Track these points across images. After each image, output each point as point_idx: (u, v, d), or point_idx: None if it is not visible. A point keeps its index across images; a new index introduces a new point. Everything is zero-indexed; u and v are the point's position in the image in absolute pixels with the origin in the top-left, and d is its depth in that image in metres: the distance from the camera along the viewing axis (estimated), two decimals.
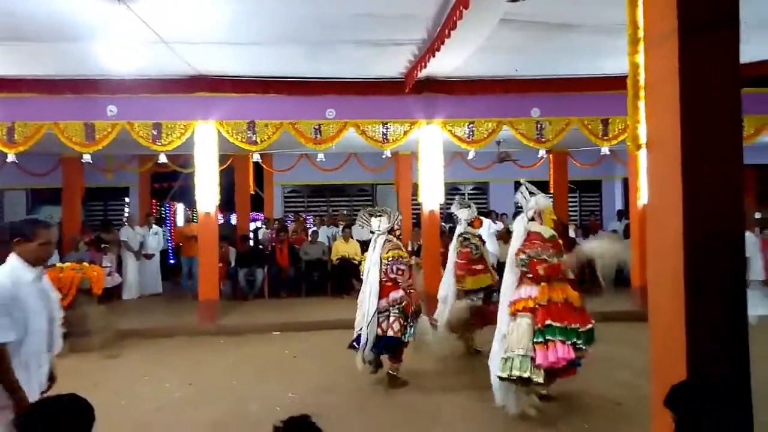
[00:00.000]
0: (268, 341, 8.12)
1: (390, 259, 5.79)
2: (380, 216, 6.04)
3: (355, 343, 5.89)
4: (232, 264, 11.26)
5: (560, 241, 4.94)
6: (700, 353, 2.55)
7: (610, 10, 5.49)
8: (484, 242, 7.08)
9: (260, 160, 12.28)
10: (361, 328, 5.81)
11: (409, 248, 11.36)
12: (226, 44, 7.18)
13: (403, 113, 8.92)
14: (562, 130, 9.08)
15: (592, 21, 6.43)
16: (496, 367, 4.72)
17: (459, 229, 7.03)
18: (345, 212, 13.94)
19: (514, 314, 4.76)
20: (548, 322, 4.58)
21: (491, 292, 6.66)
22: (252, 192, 13.34)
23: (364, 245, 11.48)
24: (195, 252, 9.89)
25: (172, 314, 9.69)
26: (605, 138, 9.08)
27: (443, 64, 7.69)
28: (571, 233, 11.56)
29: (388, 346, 5.75)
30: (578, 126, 9.06)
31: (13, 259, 2.92)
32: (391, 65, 8.20)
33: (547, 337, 4.56)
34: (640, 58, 2.83)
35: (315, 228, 12.24)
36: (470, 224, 7.03)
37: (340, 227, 12.09)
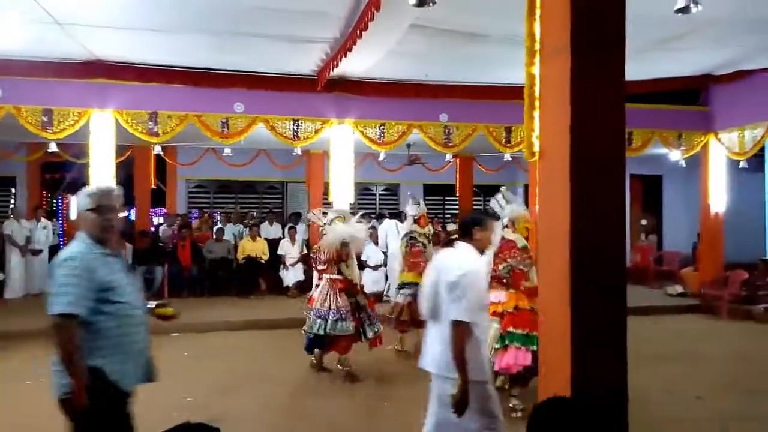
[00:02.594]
0: (166, 343, 7.73)
1: (314, 252, 6.20)
2: (318, 212, 6.46)
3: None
4: (130, 261, 10.67)
5: (531, 252, 5.05)
6: (584, 353, 2.69)
7: (516, 23, 5.73)
8: (430, 241, 7.21)
9: (162, 153, 11.72)
10: None
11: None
12: (127, 29, 6.81)
13: (314, 111, 8.85)
14: (469, 136, 9.38)
15: (499, 32, 6.70)
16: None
17: (405, 228, 7.18)
18: (254, 210, 13.62)
19: None
20: (509, 329, 4.73)
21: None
22: (153, 186, 12.69)
23: (272, 244, 11.32)
24: None
25: None
26: (508, 145, 9.48)
27: (355, 65, 7.72)
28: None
29: (307, 341, 6.10)
30: (484, 132, 9.39)
31: None
32: (303, 62, 8.12)
33: (506, 343, 4.71)
34: (536, 70, 2.97)
35: (221, 225, 11.85)
36: (416, 221, 7.15)
37: (248, 225, 11.78)
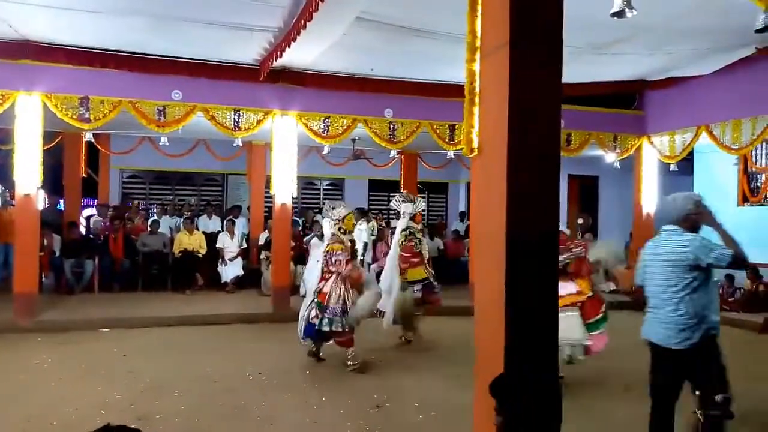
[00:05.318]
0: (95, 339, 7.42)
1: (328, 252, 6.17)
2: (332, 208, 6.42)
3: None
4: (57, 254, 10.15)
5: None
6: (516, 344, 2.72)
7: (461, 21, 5.78)
8: (424, 236, 7.67)
9: (94, 141, 11.18)
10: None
11: (260, 242, 11.09)
12: (58, 9, 6.43)
13: (256, 101, 8.64)
14: (413, 133, 9.40)
15: (444, 29, 6.72)
16: None
17: (402, 224, 7.34)
18: (192, 202, 13.22)
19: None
20: (596, 315, 5.30)
21: (429, 284, 7.27)
22: (84, 175, 12.11)
23: (210, 237, 11.02)
24: (11, 238, 8.77)
25: None
26: (451, 143, 9.56)
27: (300, 55, 7.59)
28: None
29: (309, 332, 6.15)
30: (428, 129, 9.43)
31: None
32: (246, 51, 7.91)
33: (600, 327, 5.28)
34: (477, 67, 2.97)
35: (156, 217, 11.43)
36: (412, 218, 7.38)
37: (184, 217, 11.42)
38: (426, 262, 7.46)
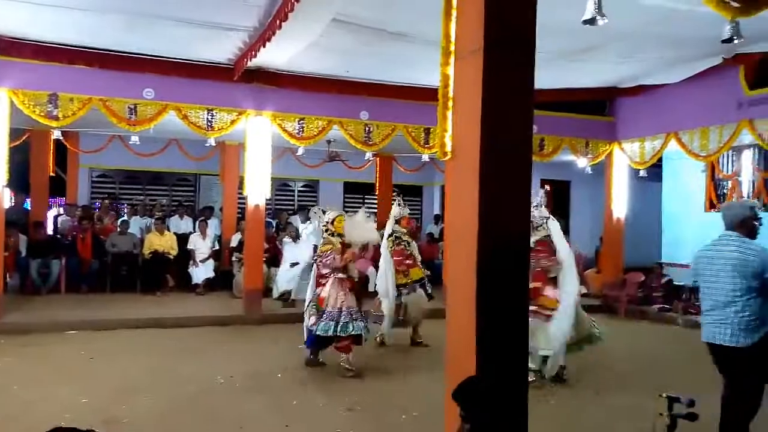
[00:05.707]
0: (61, 341, 7.25)
1: (318, 256, 6.17)
2: (319, 212, 6.48)
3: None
4: (23, 254, 9.90)
5: None
6: (488, 348, 2.74)
7: (438, 25, 5.82)
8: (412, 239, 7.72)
9: (63, 139, 10.93)
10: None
11: (232, 243, 10.97)
12: (26, 3, 6.27)
13: (230, 101, 8.55)
14: (388, 135, 9.40)
15: (420, 34, 6.73)
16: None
17: (388, 228, 7.34)
18: (164, 202, 13.01)
19: None
20: None
21: (424, 284, 7.37)
22: (52, 174, 11.82)
23: (182, 239, 10.86)
24: None
25: None
26: (426, 146, 9.59)
27: (275, 56, 7.53)
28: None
29: (310, 341, 6.12)
30: (403, 132, 9.44)
31: None
32: (220, 50, 7.83)
33: None
34: (451, 71, 2.98)
35: (126, 218, 11.22)
36: (397, 222, 7.37)
37: (155, 218, 11.23)
38: (419, 263, 7.52)
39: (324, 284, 6.05)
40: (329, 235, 6.20)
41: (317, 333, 5.92)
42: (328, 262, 6.00)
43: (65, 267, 9.86)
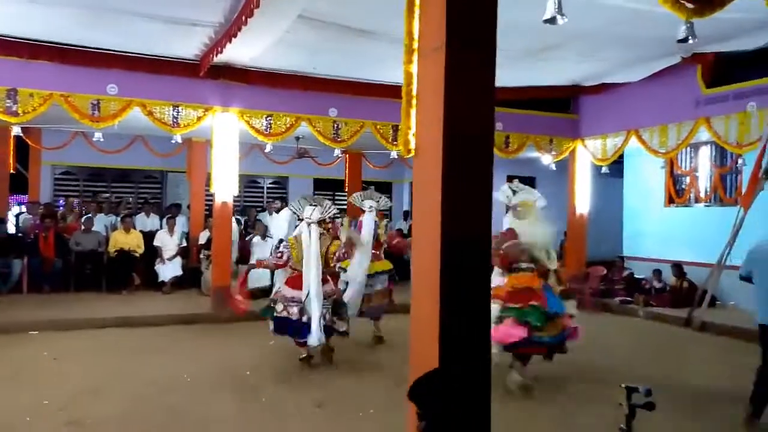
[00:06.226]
0: (22, 342, 7.09)
1: (335, 252, 6.14)
2: (315, 205, 6.19)
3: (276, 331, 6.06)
4: None
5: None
6: (451, 343, 2.79)
7: (401, 22, 5.87)
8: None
9: (24, 135, 10.64)
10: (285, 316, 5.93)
11: (200, 241, 10.86)
12: None
13: (196, 97, 8.46)
14: (357, 132, 9.43)
15: (386, 31, 6.78)
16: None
17: (370, 219, 7.35)
18: (129, 200, 12.78)
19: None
20: (509, 305, 5.33)
21: (393, 276, 7.41)
22: (12, 171, 11.51)
23: (148, 236, 10.70)
24: None
25: None
26: (395, 143, 9.64)
27: (241, 52, 7.49)
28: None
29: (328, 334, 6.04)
30: (371, 129, 9.48)
31: None
32: (185, 45, 7.74)
33: (501, 314, 5.28)
34: (414, 68, 3.03)
35: (90, 215, 11.00)
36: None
37: (121, 216, 11.04)
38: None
39: (327, 280, 6.13)
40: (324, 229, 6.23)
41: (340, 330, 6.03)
42: (337, 256, 6.15)
43: (27, 266, 9.64)
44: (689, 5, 4.24)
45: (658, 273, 10.32)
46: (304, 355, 6.17)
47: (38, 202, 11.73)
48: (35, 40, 7.53)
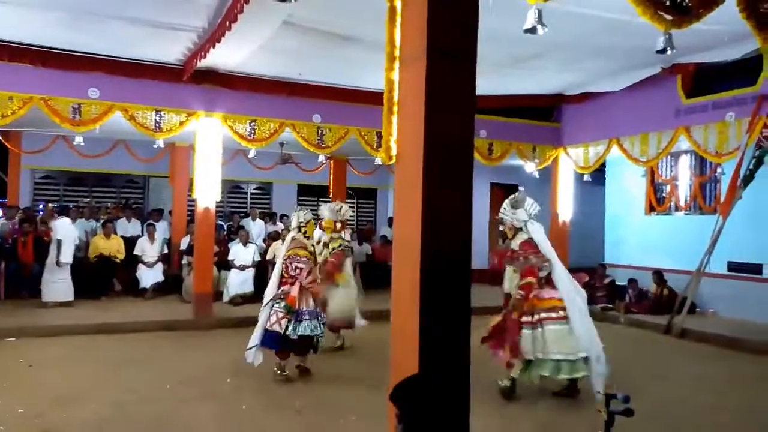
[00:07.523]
0: None
1: (289, 256, 5.97)
2: (297, 212, 6.29)
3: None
4: None
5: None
6: (431, 349, 2.80)
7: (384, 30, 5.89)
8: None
9: (3, 139, 10.49)
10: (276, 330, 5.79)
11: (182, 246, 10.76)
12: None
13: (179, 102, 8.41)
14: (341, 138, 9.43)
15: (370, 38, 6.80)
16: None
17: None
18: (109, 205, 12.62)
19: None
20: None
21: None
22: None
23: (130, 242, 10.59)
24: None
25: None
26: (379, 149, 9.60)
27: (225, 57, 7.47)
28: (348, 237, 12.15)
29: (269, 340, 5.76)
30: (356, 136, 9.49)
31: None
32: (168, 50, 7.71)
33: None
34: (396, 76, 3.04)
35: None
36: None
37: (102, 221, 10.90)
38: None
39: (292, 283, 5.88)
40: (304, 237, 6.17)
41: (287, 334, 5.72)
42: (296, 268, 5.91)
43: (5, 272, 9.47)
44: (668, 17, 4.30)
45: (634, 282, 10.39)
46: (280, 374, 5.96)
47: (17, 206, 11.54)
48: (16, 43, 7.45)
